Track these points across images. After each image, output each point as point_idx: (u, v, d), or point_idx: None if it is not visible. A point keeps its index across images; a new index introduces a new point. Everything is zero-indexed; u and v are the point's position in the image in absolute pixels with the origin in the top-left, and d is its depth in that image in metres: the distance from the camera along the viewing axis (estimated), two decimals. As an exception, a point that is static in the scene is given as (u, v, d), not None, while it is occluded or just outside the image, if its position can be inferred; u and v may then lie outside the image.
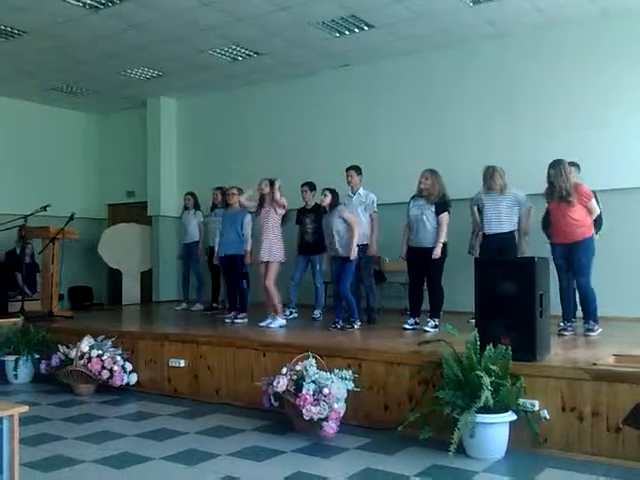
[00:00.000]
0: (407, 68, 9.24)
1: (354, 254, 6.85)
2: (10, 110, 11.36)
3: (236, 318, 7.76)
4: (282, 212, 7.32)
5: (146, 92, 11.18)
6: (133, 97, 11.47)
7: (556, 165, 6.14)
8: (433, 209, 6.68)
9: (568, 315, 6.28)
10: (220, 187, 9.23)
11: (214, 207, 9.34)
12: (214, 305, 9.34)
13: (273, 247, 7.20)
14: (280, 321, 7.19)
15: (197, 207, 9.85)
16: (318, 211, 7.86)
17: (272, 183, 7.22)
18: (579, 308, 6.42)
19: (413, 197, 6.92)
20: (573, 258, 6.13)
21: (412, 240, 6.80)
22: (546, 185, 6.28)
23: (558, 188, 6.10)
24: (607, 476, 3.93)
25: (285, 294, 8.20)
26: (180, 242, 10.29)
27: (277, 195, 7.16)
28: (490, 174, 6.83)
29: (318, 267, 8.13)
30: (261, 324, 7.18)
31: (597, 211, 6.29)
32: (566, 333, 6.14)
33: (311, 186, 8.24)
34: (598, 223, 6.57)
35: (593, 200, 6.20)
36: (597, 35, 7.87)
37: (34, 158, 11.63)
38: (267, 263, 7.21)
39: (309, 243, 8.12)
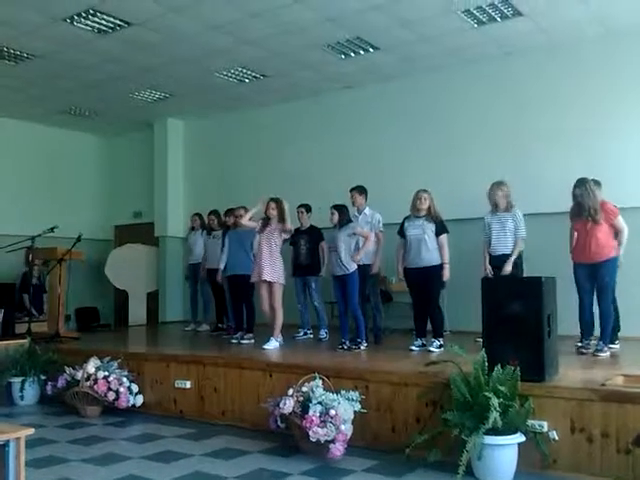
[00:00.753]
0: (412, 89, 9.28)
1: (359, 259, 6.92)
2: (18, 132, 11.46)
3: (242, 339, 7.74)
4: (286, 236, 7.40)
5: (153, 114, 11.28)
6: (141, 119, 11.57)
7: (581, 185, 6.07)
8: (434, 229, 6.69)
9: (587, 334, 6.19)
10: (214, 210, 9.42)
11: (211, 230, 9.43)
12: (219, 326, 9.32)
13: (278, 268, 7.20)
14: (275, 343, 7.14)
15: (204, 227, 9.88)
16: (312, 233, 8.14)
17: (278, 203, 7.23)
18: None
19: (407, 217, 6.94)
20: (597, 278, 6.05)
21: (411, 261, 6.78)
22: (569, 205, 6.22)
23: (586, 207, 6.02)
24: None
25: (298, 317, 8.35)
26: (186, 262, 10.30)
27: (288, 224, 7.20)
28: (496, 187, 6.83)
29: (314, 285, 8.19)
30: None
31: (624, 228, 6.14)
32: (585, 351, 6.08)
33: (307, 208, 8.34)
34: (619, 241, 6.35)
35: (620, 217, 6.11)
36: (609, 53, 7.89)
37: (42, 179, 11.71)
38: (270, 285, 7.20)
39: (303, 264, 8.18)
